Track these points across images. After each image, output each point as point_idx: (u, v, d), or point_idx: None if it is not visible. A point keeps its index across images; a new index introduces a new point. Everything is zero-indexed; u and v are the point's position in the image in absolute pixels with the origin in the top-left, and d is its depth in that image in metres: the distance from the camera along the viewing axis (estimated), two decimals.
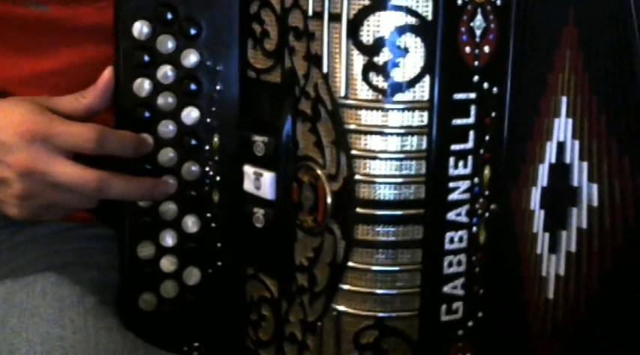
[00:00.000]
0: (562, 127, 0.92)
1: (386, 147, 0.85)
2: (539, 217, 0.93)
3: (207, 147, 0.98)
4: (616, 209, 0.94)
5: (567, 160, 0.93)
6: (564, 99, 0.92)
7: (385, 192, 0.85)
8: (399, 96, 0.84)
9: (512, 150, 0.90)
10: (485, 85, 0.86)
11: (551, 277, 0.95)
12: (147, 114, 0.96)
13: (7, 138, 0.91)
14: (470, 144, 0.87)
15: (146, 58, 0.95)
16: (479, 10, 0.85)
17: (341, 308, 0.89)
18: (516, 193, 0.91)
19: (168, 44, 0.96)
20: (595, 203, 0.94)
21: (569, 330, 0.96)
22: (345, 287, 0.88)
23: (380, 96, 0.84)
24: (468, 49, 0.85)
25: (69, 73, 1.05)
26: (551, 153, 0.93)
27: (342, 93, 0.85)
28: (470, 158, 0.87)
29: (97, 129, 0.92)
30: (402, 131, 0.85)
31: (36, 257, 1.07)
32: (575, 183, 0.94)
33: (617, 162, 0.94)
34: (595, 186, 0.94)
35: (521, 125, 0.90)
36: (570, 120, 0.92)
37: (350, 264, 0.87)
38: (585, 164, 0.93)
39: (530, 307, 0.95)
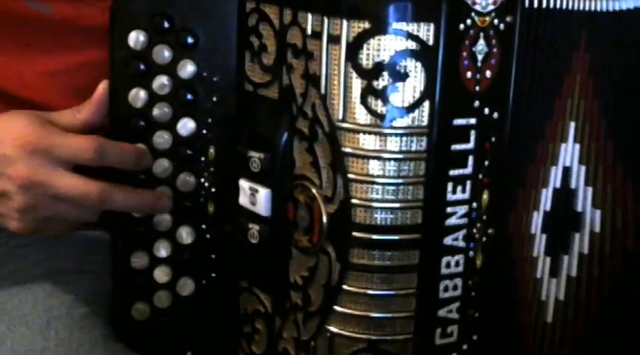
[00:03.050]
0: (569, 152, 0.91)
1: (383, 172, 0.83)
2: (540, 241, 0.92)
3: (202, 159, 0.96)
4: (617, 235, 0.94)
5: (572, 185, 0.92)
6: (572, 124, 0.90)
7: (382, 217, 0.84)
8: (397, 122, 0.82)
9: (512, 174, 0.89)
10: (486, 110, 0.85)
11: (550, 301, 0.94)
12: (142, 124, 0.95)
13: (8, 150, 0.90)
14: (469, 170, 0.86)
15: (142, 67, 0.94)
16: (481, 34, 0.83)
17: (334, 329, 0.88)
18: (515, 217, 0.90)
19: (164, 54, 0.94)
20: (597, 229, 0.93)
21: (566, 354, 0.96)
22: (340, 309, 0.87)
23: (378, 121, 0.82)
24: (469, 74, 0.83)
25: (71, 74, 1.04)
26: (556, 178, 0.91)
27: (340, 117, 0.83)
28: (468, 183, 0.86)
29: (96, 140, 0.91)
30: (400, 156, 0.83)
31: (36, 260, 1.07)
32: (580, 209, 0.93)
33: (621, 188, 0.93)
34: (598, 212, 0.93)
35: (523, 150, 0.89)
36: (578, 146, 0.91)
37: (345, 287, 0.86)
38: (590, 189, 0.92)
39: (526, 330, 0.94)
